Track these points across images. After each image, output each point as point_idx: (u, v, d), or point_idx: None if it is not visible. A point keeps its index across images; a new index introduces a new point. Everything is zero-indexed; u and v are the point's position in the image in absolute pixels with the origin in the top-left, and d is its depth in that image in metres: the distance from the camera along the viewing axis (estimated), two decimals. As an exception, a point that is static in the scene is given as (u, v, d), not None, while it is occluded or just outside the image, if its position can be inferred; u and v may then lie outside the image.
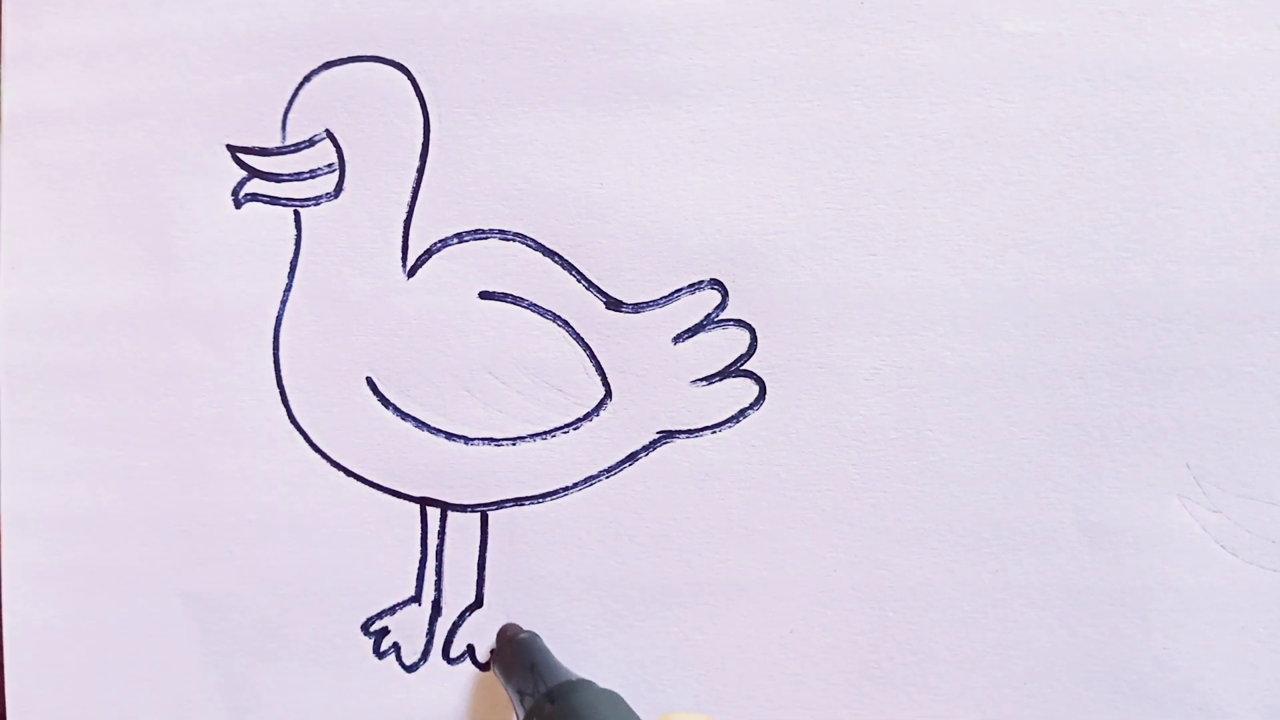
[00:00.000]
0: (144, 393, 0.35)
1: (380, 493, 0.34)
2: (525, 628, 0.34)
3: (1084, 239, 0.32)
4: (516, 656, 0.32)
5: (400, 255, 0.34)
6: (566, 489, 0.34)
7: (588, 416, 0.34)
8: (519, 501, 0.34)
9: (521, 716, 0.30)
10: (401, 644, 0.35)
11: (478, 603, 0.34)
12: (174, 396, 0.35)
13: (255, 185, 0.34)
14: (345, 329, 0.34)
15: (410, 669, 0.35)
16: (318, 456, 0.34)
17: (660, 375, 0.33)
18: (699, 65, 0.33)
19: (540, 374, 0.34)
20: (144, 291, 0.35)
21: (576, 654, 0.34)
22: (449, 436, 0.34)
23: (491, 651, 0.34)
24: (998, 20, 0.32)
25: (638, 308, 0.33)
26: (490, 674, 0.35)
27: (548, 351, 0.34)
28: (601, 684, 0.31)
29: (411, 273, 0.34)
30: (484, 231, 0.34)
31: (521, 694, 0.31)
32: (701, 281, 0.33)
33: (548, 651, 0.33)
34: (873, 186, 0.32)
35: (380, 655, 0.35)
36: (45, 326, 0.35)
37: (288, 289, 0.34)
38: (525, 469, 0.34)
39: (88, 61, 0.35)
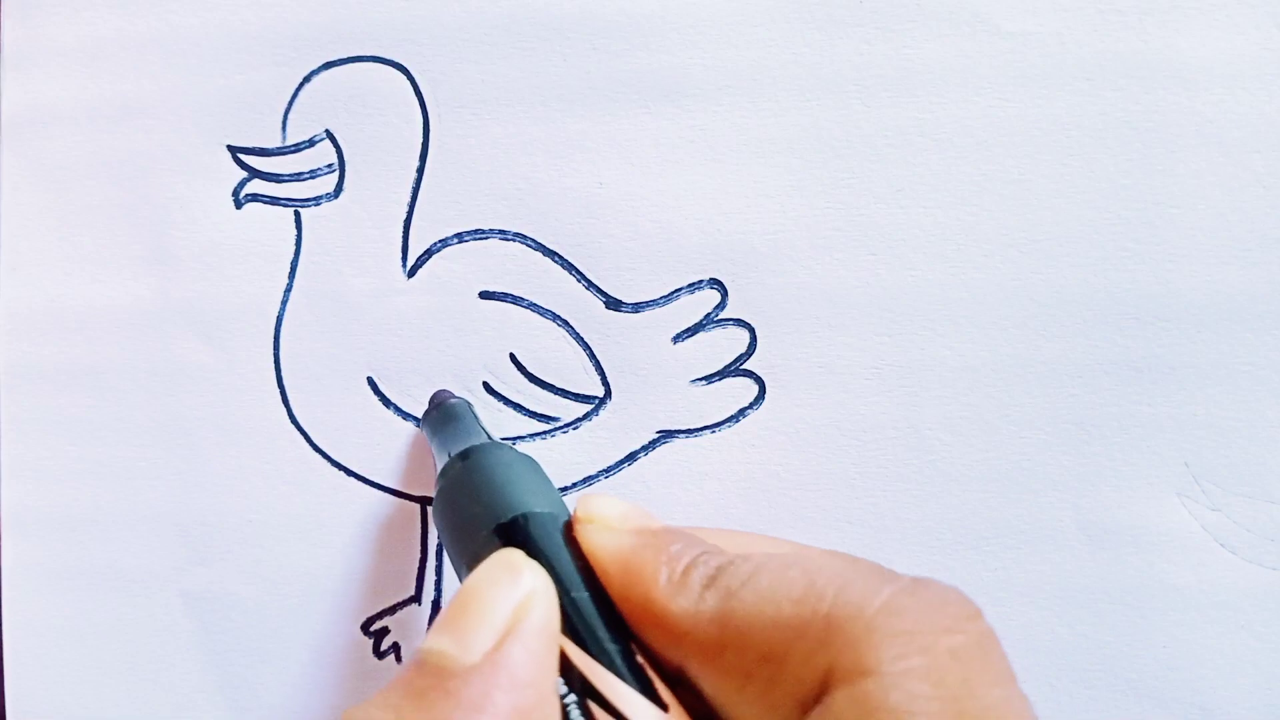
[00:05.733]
0: (144, 393, 0.35)
1: (380, 492, 0.34)
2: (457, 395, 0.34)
3: (1084, 239, 0.32)
4: (443, 420, 0.32)
5: (400, 255, 0.34)
6: (566, 489, 0.34)
7: (588, 416, 0.34)
8: (519, 501, 0.34)
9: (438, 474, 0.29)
10: (401, 644, 0.35)
11: (478, 602, 0.34)
12: (174, 396, 0.35)
13: (255, 185, 0.34)
14: (345, 329, 0.34)
15: (410, 669, 0.35)
16: (318, 456, 0.34)
17: (660, 375, 0.33)
18: (699, 65, 0.33)
19: (540, 374, 0.34)
20: (144, 291, 0.35)
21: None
22: (449, 436, 0.34)
23: (423, 414, 0.34)
24: (998, 20, 0.32)
25: (638, 307, 0.33)
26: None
27: (548, 351, 0.34)
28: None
29: (412, 273, 0.34)
30: (484, 231, 0.34)
31: (442, 455, 0.30)
32: (701, 281, 0.33)
33: (474, 418, 0.32)
34: (873, 186, 0.32)
35: (380, 655, 0.35)
36: (45, 326, 0.35)
37: (288, 289, 0.34)
38: (525, 469, 0.34)
39: (88, 61, 0.35)
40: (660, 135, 0.33)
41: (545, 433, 0.34)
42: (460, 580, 0.25)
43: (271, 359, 0.34)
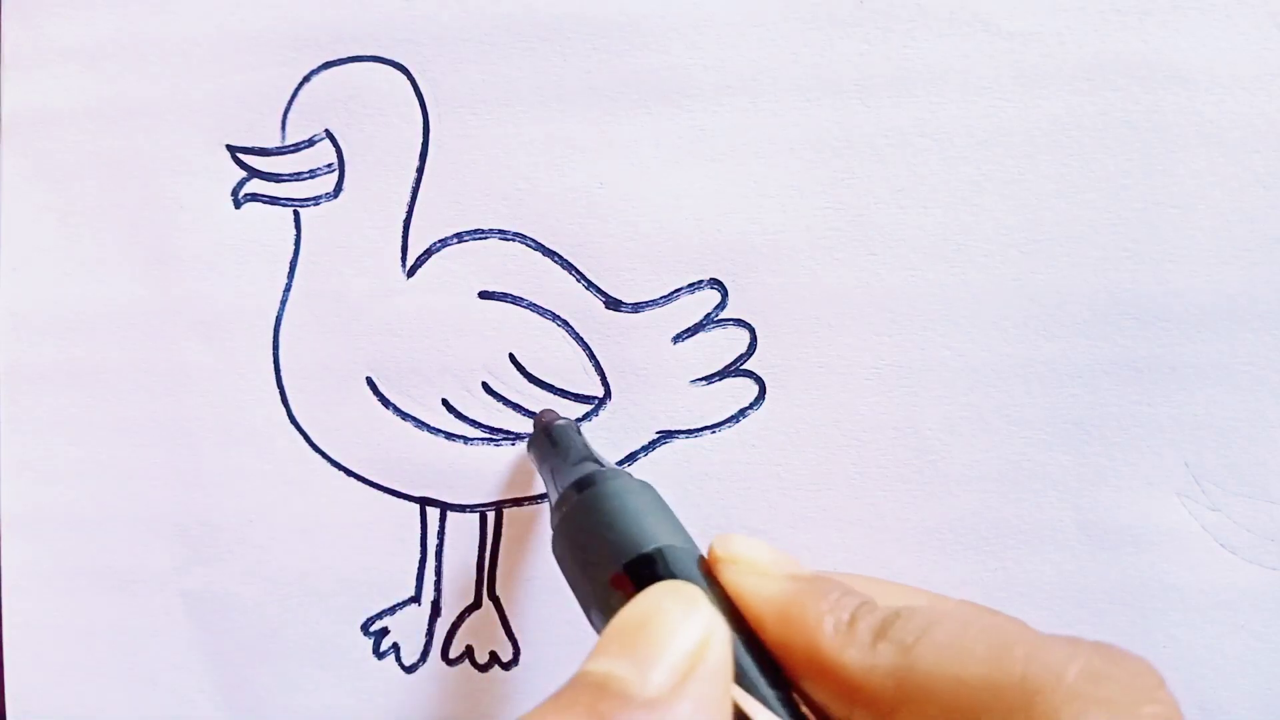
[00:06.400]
0: (144, 393, 0.35)
1: (380, 493, 0.34)
2: (563, 416, 0.33)
3: (1084, 239, 0.32)
4: (552, 444, 0.31)
5: (400, 255, 0.34)
6: (566, 489, 0.34)
7: (587, 416, 0.34)
8: (519, 502, 0.34)
9: (553, 504, 0.28)
10: (401, 644, 0.35)
11: (477, 603, 0.34)
12: (174, 396, 0.35)
13: (255, 185, 0.34)
14: (345, 329, 0.34)
15: (410, 669, 0.35)
16: (318, 456, 0.34)
17: (660, 375, 0.33)
18: (699, 65, 0.33)
19: (540, 374, 0.34)
20: (144, 291, 0.35)
21: (577, 655, 0.34)
22: (449, 436, 0.34)
23: (529, 438, 0.33)
24: (998, 20, 0.32)
25: (637, 307, 0.33)
26: (489, 674, 0.35)
27: (548, 351, 0.34)
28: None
29: (411, 272, 0.34)
30: (484, 231, 0.34)
31: (554, 483, 0.29)
32: (701, 281, 0.33)
33: (582, 438, 0.31)
34: (873, 186, 0.32)
35: (380, 655, 0.35)
36: (45, 326, 0.35)
37: (287, 289, 0.34)
38: (525, 469, 0.34)
39: (88, 61, 0.35)
40: (660, 135, 0.33)
41: (545, 433, 0.34)
42: (590, 619, 0.25)
43: (271, 359, 0.34)
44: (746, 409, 0.33)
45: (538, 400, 0.34)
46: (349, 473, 0.34)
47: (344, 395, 0.34)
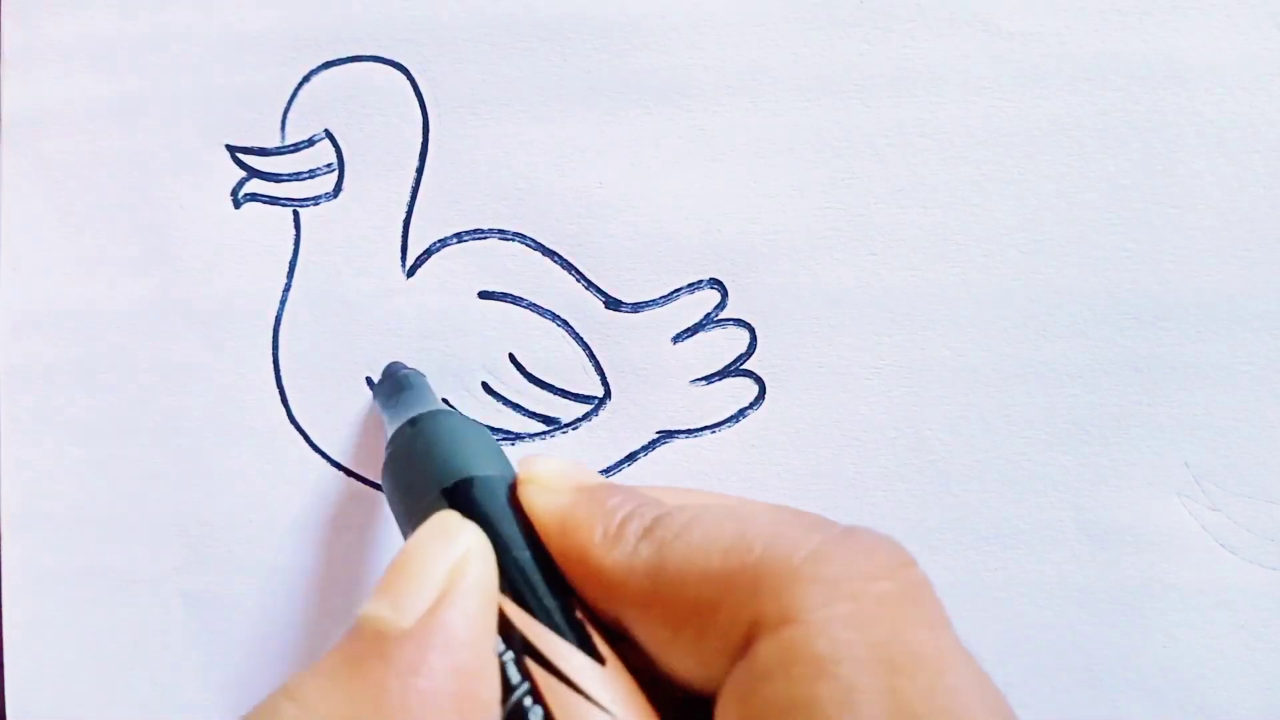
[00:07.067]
0: (144, 393, 0.35)
1: (380, 492, 0.34)
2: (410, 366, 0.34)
3: (1084, 239, 0.32)
4: (395, 389, 0.32)
5: (400, 255, 0.34)
6: (566, 489, 0.34)
7: (587, 416, 0.34)
8: (519, 501, 0.34)
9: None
10: (401, 644, 0.35)
11: (478, 602, 0.34)
12: (174, 396, 0.35)
13: (254, 185, 0.34)
14: (345, 329, 0.34)
15: (410, 669, 0.35)
16: (318, 456, 0.34)
17: (660, 375, 0.33)
18: (699, 65, 0.33)
19: (540, 374, 0.34)
20: (144, 291, 0.35)
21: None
22: (449, 436, 0.34)
23: (375, 384, 0.34)
24: (998, 20, 0.32)
25: (637, 307, 0.33)
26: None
27: (547, 351, 0.34)
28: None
29: (411, 272, 0.34)
30: (484, 231, 0.34)
31: (393, 425, 0.30)
32: (701, 281, 0.33)
33: (427, 387, 0.32)
34: (873, 186, 0.32)
35: (380, 655, 0.35)
36: (45, 326, 0.35)
37: (287, 289, 0.34)
38: (525, 469, 0.34)
39: (88, 61, 0.35)
40: (660, 135, 0.33)
41: (545, 433, 0.34)
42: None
43: (270, 359, 0.34)
44: (746, 409, 0.33)
45: (538, 400, 0.34)
46: (349, 473, 0.34)
47: (344, 395, 0.34)
